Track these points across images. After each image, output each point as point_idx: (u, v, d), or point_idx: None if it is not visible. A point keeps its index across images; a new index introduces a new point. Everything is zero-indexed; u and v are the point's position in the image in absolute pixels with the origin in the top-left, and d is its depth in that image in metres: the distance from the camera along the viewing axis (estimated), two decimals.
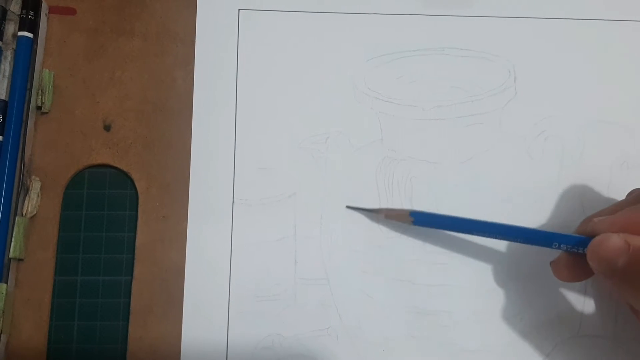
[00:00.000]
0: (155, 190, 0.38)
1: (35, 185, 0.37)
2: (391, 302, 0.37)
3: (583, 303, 0.37)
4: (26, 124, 0.38)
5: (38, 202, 0.37)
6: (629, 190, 0.36)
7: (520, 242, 0.35)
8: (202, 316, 0.36)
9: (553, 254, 0.35)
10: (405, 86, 0.40)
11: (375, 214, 0.37)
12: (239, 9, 0.40)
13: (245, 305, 0.37)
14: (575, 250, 0.33)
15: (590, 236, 0.32)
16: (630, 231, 0.31)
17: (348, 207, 0.38)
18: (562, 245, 0.34)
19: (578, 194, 0.39)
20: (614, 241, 0.31)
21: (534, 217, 0.38)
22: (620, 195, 0.38)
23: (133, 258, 0.37)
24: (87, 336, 0.36)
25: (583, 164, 0.39)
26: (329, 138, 0.39)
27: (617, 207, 0.34)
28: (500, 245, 0.38)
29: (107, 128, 0.39)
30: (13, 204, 0.37)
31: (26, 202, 0.37)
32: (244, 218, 0.38)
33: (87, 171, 0.38)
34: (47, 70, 0.39)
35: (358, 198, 0.38)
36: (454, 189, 0.39)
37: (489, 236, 0.35)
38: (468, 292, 0.37)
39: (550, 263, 0.35)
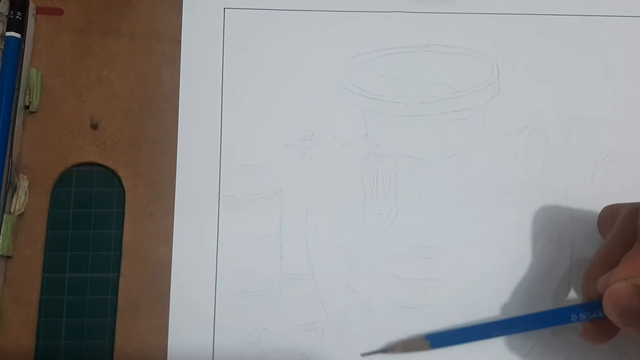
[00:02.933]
0: (142, 187, 0.38)
1: (23, 184, 0.38)
2: (376, 296, 0.37)
3: (565, 299, 0.38)
4: (14, 123, 0.38)
5: (26, 200, 0.38)
6: (612, 185, 0.37)
7: (541, 328, 0.35)
8: (189, 312, 0.37)
9: (538, 243, 0.35)
10: (390, 83, 0.40)
11: (391, 351, 0.36)
12: (224, 8, 0.41)
13: (231, 301, 0.37)
14: (596, 316, 0.33)
15: (600, 298, 0.32)
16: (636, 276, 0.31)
17: (363, 354, 0.37)
18: (580, 316, 0.33)
19: (562, 189, 0.39)
20: (623, 288, 0.30)
21: (518, 212, 0.39)
22: (603, 189, 0.39)
23: (120, 255, 0.37)
24: (75, 332, 0.37)
25: (566, 158, 0.39)
26: (314, 135, 0.39)
27: (608, 248, 0.34)
28: (483, 240, 0.38)
29: (94, 127, 0.39)
30: (1, 202, 0.37)
31: (14, 200, 0.37)
32: (230, 214, 0.38)
33: (75, 169, 0.39)
34: (35, 69, 0.39)
35: (343, 193, 0.39)
36: (438, 184, 0.39)
37: (509, 333, 0.36)
38: (453, 285, 0.38)
39: (581, 335, 0.34)
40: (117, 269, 0.37)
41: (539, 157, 0.39)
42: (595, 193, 0.39)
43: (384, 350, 0.36)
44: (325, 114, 0.40)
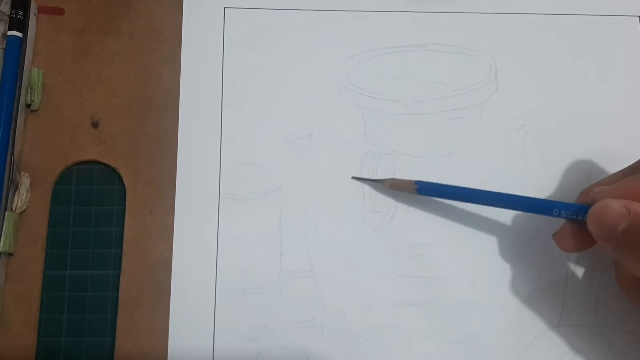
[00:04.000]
0: (142, 185, 0.38)
1: (25, 181, 0.38)
2: (375, 293, 0.38)
3: (564, 293, 0.38)
4: (16, 121, 0.38)
5: (27, 197, 0.38)
6: None
7: (521, 210, 0.35)
8: (189, 309, 0.37)
9: (536, 240, 0.35)
10: (388, 82, 0.41)
11: (380, 184, 0.38)
12: (224, 7, 0.41)
13: (231, 298, 0.37)
14: (576, 218, 0.34)
15: (591, 204, 0.33)
16: (631, 199, 0.31)
17: (354, 177, 0.39)
18: (562, 212, 0.34)
19: (559, 187, 0.39)
20: (614, 206, 0.31)
21: (516, 211, 0.39)
22: None
23: (121, 252, 0.37)
24: (76, 329, 0.37)
25: (563, 157, 0.40)
26: (313, 133, 0.40)
27: (617, 177, 0.34)
28: (480, 238, 0.38)
29: (94, 125, 0.39)
30: (3, 200, 0.37)
31: (16, 197, 0.38)
32: (230, 212, 0.38)
33: (76, 167, 0.39)
34: (36, 68, 0.40)
35: (342, 192, 0.39)
36: (436, 181, 0.39)
37: (490, 204, 0.36)
38: (451, 283, 0.38)
39: (554, 235, 0.35)
40: (118, 266, 0.37)
41: (537, 155, 0.40)
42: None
43: (375, 180, 0.38)
44: (324, 112, 0.40)
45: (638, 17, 0.42)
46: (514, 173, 0.39)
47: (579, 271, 0.38)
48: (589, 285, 0.38)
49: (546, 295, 0.38)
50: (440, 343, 0.37)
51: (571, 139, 0.40)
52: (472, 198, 0.36)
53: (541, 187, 0.39)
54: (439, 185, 0.37)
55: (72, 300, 0.37)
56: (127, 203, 0.38)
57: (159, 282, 0.37)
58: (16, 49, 0.39)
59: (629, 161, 0.38)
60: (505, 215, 0.39)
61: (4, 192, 0.37)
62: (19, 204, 0.38)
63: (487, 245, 0.38)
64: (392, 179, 0.38)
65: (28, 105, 0.39)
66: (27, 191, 0.38)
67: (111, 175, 0.39)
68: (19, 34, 0.39)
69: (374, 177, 0.39)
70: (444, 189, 0.37)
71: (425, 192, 0.37)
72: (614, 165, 0.39)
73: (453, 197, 0.37)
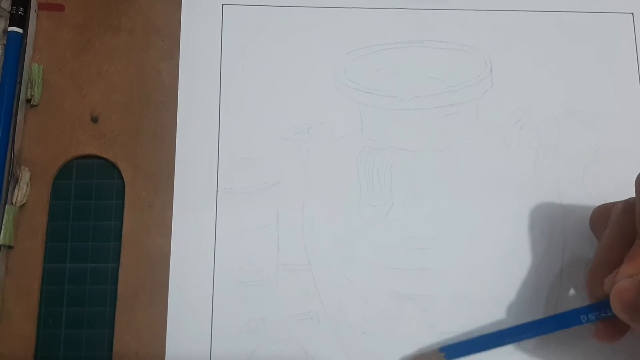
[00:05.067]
0: (141, 179, 0.39)
1: (25, 175, 0.38)
2: (372, 286, 0.38)
3: (559, 288, 0.38)
4: (16, 116, 0.39)
5: (27, 191, 0.38)
6: (604, 179, 0.38)
7: (552, 331, 0.35)
8: (187, 301, 0.37)
9: (530, 234, 0.36)
10: (385, 77, 0.41)
11: None
12: (222, 4, 0.41)
13: (229, 291, 0.37)
14: (605, 315, 0.34)
15: (607, 297, 0.33)
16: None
17: None
18: (590, 316, 0.34)
19: (554, 182, 0.40)
20: (628, 285, 0.31)
21: (510, 204, 0.39)
22: (595, 183, 0.39)
23: (120, 246, 0.38)
24: (75, 322, 0.37)
25: (559, 152, 0.40)
26: (310, 128, 0.40)
27: (608, 247, 0.34)
28: (476, 232, 0.39)
29: (94, 120, 0.40)
30: (3, 193, 0.38)
31: (16, 191, 0.38)
32: (228, 206, 0.39)
33: (75, 162, 0.39)
34: (37, 64, 0.40)
35: (339, 186, 0.39)
36: (432, 176, 0.40)
37: (522, 339, 0.36)
38: (447, 276, 0.38)
39: (593, 336, 0.35)
40: (117, 259, 0.38)
41: (532, 150, 0.40)
42: (587, 187, 0.40)
43: None
44: (321, 108, 0.40)
45: (632, 14, 0.42)
46: (509, 168, 0.40)
47: (575, 265, 0.38)
48: (582, 282, 0.38)
49: (541, 290, 0.38)
50: (438, 336, 0.37)
51: (566, 135, 0.40)
52: (501, 341, 0.36)
53: (536, 181, 0.40)
54: (467, 343, 0.36)
55: (71, 293, 0.38)
56: (126, 197, 0.38)
57: (157, 275, 0.37)
58: (17, 45, 0.39)
59: (623, 156, 0.39)
60: (500, 211, 0.39)
61: (4, 186, 0.38)
62: (19, 198, 0.38)
63: (482, 240, 0.39)
64: (415, 357, 0.37)
65: (28, 101, 0.40)
66: (27, 185, 0.38)
67: (110, 170, 0.39)
68: (20, 30, 0.40)
69: (372, 176, 0.39)
70: (472, 344, 0.36)
71: (455, 355, 0.36)
72: (609, 160, 0.40)
73: (483, 347, 0.36)
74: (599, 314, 0.34)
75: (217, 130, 0.40)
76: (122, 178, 0.39)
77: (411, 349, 0.37)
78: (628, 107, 0.41)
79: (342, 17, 0.42)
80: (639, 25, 0.42)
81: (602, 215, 0.36)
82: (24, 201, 0.38)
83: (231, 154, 0.39)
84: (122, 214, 0.38)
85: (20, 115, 0.39)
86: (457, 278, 0.38)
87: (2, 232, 0.37)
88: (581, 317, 0.34)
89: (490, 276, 0.38)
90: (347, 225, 0.39)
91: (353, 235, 0.39)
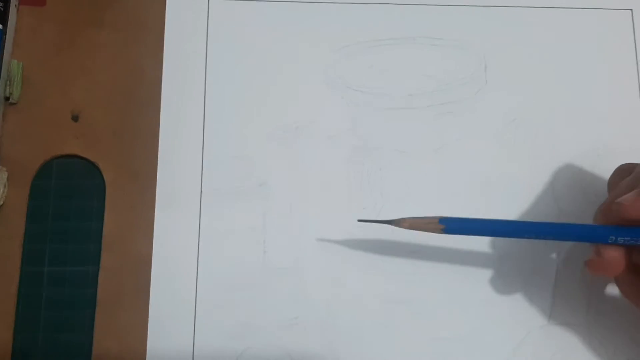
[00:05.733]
0: (122, 179, 0.38)
1: (2, 176, 0.37)
2: (361, 290, 0.37)
3: (553, 291, 0.37)
4: None
5: (5, 192, 0.37)
6: (599, 177, 0.38)
7: (571, 240, 0.33)
8: (169, 306, 0.36)
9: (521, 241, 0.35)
10: (376, 75, 0.40)
11: (395, 225, 0.33)
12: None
13: (213, 295, 0.36)
14: (636, 242, 0.32)
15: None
16: None
17: (360, 220, 0.35)
18: (619, 239, 0.32)
19: (549, 181, 0.39)
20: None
21: (505, 204, 0.38)
22: (590, 181, 0.39)
23: (100, 248, 0.37)
24: (54, 326, 0.36)
25: (554, 151, 0.39)
26: (298, 127, 0.39)
27: (620, 190, 0.33)
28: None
29: (75, 118, 0.39)
30: None
31: None
32: (213, 207, 0.37)
33: (55, 161, 0.38)
34: (16, 61, 0.39)
35: (328, 187, 0.38)
36: (424, 177, 0.38)
37: (536, 237, 0.33)
38: (439, 280, 0.37)
39: (587, 263, 0.33)
40: (97, 262, 0.37)
41: (527, 149, 0.39)
42: (583, 185, 0.39)
43: (387, 222, 0.33)
44: (310, 106, 0.39)
45: (631, 11, 0.41)
46: (504, 168, 0.39)
47: (569, 268, 0.38)
48: (579, 283, 0.37)
49: (535, 293, 0.37)
50: (429, 341, 0.36)
51: (562, 133, 0.39)
52: (513, 232, 0.33)
53: (531, 181, 0.39)
54: (471, 221, 0.33)
55: (50, 297, 0.37)
56: (107, 198, 0.37)
57: (139, 279, 0.36)
58: None
59: (620, 154, 0.38)
60: (494, 210, 0.38)
61: None
62: None
63: (476, 242, 0.38)
64: (411, 219, 0.33)
65: (7, 98, 0.38)
66: (5, 186, 0.37)
67: (91, 170, 0.38)
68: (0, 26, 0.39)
69: (362, 177, 0.38)
70: (477, 224, 0.33)
71: (455, 230, 0.32)
72: (605, 158, 0.39)
73: (490, 233, 0.33)
74: (629, 239, 0.32)
75: (201, 129, 0.38)
76: (103, 178, 0.38)
77: (402, 354, 0.36)
78: (625, 106, 0.40)
79: (332, 13, 0.41)
80: (638, 22, 0.41)
81: (624, 172, 0.34)
82: (1, 202, 0.37)
83: (216, 153, 0.38)
84: (103, 216, 0.37)
85: None
86: (450, 282, 0.37)
87: None
88: (610, 236, 0.32)
89: (484, 280, 0.37)
90: (336, 227, 0.38)
91: (342, 238, 0.37)
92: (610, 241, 0.32)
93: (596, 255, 0.32)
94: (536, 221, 0.33)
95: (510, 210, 0.38)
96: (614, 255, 0.32)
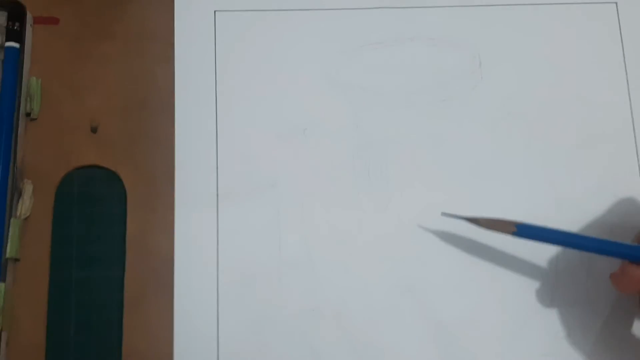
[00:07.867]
0: (142, 185, 0.39)
1: (28, 188, 0.39)
2: (374, 280, 0.39)
3: (555, 276, 0.39)
4: (17, 130, 0.39)
5: (31, 203, 0.39)
6: (595, 169, 0.40)
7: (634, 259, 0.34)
8: (192, 302, 0.38)
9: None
10: (377, 75, 0.42)
11: (475, 222, 0.37)
12: (214, 11, 0.42)
13: (233, 290, 0.38)
14: None
15: None
16: None
17: (444, 214, 0.38)
18: None
19: (545, 174, 0.40)
20: None
21: (502, 197, 0.40)
22: (586, 173, 0.40)
23: (124, 251, 0.38)
24: (84, 328, 0.38)
25: (549, 144, 0.41)
26: (306, 128, 0.41)
27: None
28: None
29: (93, 130, 0.40)
30: (7, 207, 0.38)
31: (20, 204, 0.39)
32: (229, 207, 0.39)
33: (76, 172, 0.40)
34: (35, 77, 0.41)
35: (337, 182, 0.40)
36: (425, 171, 0.40)
37: (599, 253, 0.35)
38: (448, 267, 0.39)
39: (612, 276, 0.35)
40: (122, 264, 0.38)
41: (522, 143, 0.41)
42: (579, 177, 0.40)
43: (467, 219, 0.37)
44: (315, 107, 0.41)
45: (616, 4, 0.43)
46: (500, 160, 0.41)
47: (568, 259, 0.39)
48: (580, 262, 0.39)
49: (537, 282, 0.39)
50: (441, 328, 0.38)
51: (557, 126, 0.41)
52: (579, 245, 0.35)
53: (527, 173, 0.40)
54: (542, 230, 0.36)
55: (78, 300, 0.38)
56: (128, 203, 0.39)
57: (162, 278, 0.38)
58: (14, 59, 0.40)
59: (613, 146, 0.39)
60: (492, 204, 0.40)
61: (9, 199, 0.38)
62: (22, 211, 0.39)
63: (479, 232, 0.38)
64: (489, 219, 0.36)
65: (28, 114, 0.40)
66: (31, 197, 0.39)
67: (111, 177, 0.40)
68: (17, 45, 0.40)
69: (369, 170, 0.40)
70: (547, 233, 0.35)
71: (525, 235, 0.35)
72: (599, 151, 0.41)
73: (557, 242, 0.36)
74: None
75: (214, 132, 0.40)
76: (123, 184, 0.39)
77: (415, 341, 0.38)
78: (615, 97, 0.42)
79: (332, 19, 0.43)
80: (623, 15, 0.43)
81: None
82: (28, 214, 0.39)
83: (230, 155, 0.40)
84: (125, 220, 0.39)
85: (20, 129, 0.40)
86: (458, 268, 0.39)
87: (8, 246, 0.37)
88: None
89: (488, 267, 0.39)
90: (347, 221, 0.39)
91: (353, 231, 0.39)
92: None
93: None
94: (605, 239, 0.35)
95: (507, 202, 0.40)
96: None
